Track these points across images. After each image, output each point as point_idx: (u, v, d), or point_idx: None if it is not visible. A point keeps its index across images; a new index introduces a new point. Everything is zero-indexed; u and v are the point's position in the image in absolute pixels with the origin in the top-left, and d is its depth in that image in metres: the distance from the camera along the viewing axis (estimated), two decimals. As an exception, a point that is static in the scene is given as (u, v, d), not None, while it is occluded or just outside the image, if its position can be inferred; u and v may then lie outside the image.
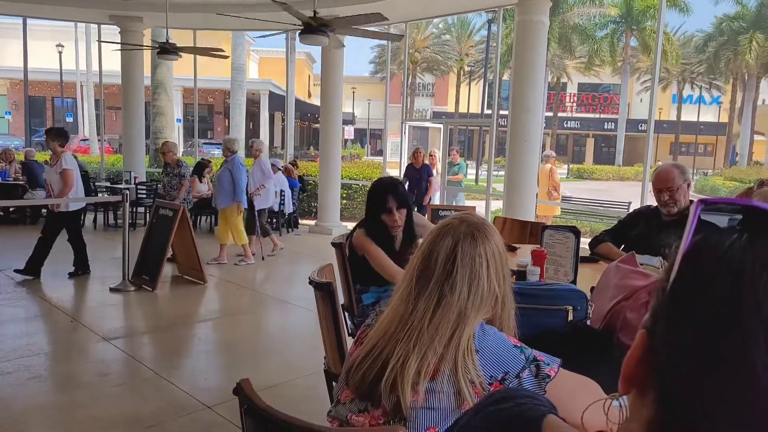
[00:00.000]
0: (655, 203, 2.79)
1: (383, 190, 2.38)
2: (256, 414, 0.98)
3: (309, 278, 1.92)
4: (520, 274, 1.94)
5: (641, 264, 1.59)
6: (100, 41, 9.61)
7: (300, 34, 5.10)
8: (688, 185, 2.66)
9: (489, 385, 1.02)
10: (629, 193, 13.75)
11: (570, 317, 1.40)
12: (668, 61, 28.62)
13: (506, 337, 1.09)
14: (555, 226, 2.15)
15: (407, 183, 7.68)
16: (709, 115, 34.73)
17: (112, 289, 5.22)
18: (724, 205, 0.39)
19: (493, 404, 0.52)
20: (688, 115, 33.71)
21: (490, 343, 1.05)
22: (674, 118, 33.38)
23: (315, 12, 4.89)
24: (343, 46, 6.83)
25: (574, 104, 37.19)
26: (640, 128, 33.42)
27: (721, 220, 0.39)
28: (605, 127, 36.17)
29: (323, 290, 1.83)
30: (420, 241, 1.18)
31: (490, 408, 0.51)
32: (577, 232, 2.03)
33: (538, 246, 2.12)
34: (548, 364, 1.05)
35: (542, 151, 8.67)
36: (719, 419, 0.35)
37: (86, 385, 3.29)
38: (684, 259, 0.38)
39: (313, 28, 4.94)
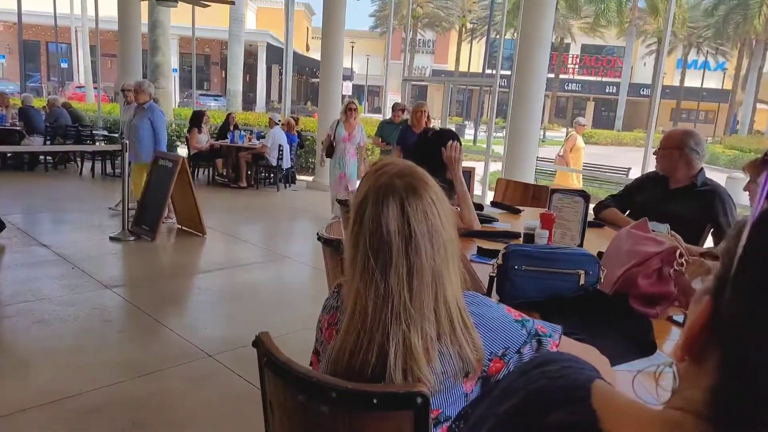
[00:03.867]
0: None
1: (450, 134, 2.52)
2: (277, 366, 0.99)
3: (318, 234, 1.92)
4: (528, 237, 1.95)
5: (653, 231, 1.60)
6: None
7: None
8: (692, 157, 2.59)
9: (489, 361, 0.98)
10: (627, 158, 13.72)
11: (582, 281, 1.41)
12: (675, 25, 28.05)
13: (506, 311, 1.05)
14: (564, 189, 2.15)
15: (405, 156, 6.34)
16: (712, 82, 34.34)
17: (111, 238, 5.23)
18: None
19: (537, 367, 0.52)
20: (692, 80, 33.31)
21: (489, 317, 1.01)
22: (677, 84, 32.99)
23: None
24: None
25: (577, 66, 36.62)
26: (642, 93, 33.10)
27: None
28: (606, 90, 35.75)
29: (332, 246, 1.83)
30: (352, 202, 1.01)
31: (535, 371, 0.51)
32: (586, 197, 2.03)
33: (546, 209, 2.13)
34: (550, 336, 1.03)
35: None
36: None
37: (89, 330, 3.33)
38: (755, 225, 0.38)
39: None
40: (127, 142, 5.37)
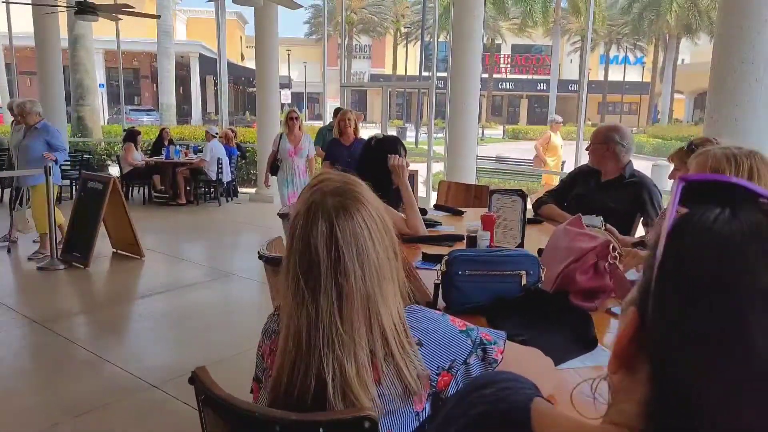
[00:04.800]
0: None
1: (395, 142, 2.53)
2: (216, 403, 0.94)
3: (258, 252, 1.87)
4: (471, 239, 1.97)
5: (586, 225, 1.65)
6: (7, 1, 8.75)
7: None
8: (618, 150, 2.71)
9: (436, 376, 0.96)
10: (562, 152, 14.23)
11: (523, 282, 1.44)
12: (596, 23, 29.45)
13: (450, 322, 1.02)
14: (502, 189, 2.19)
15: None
16: (633, 75, 36.23)
17: (39, 269, 4.93)
18: (702, 181, 0.40)
19: (475, 390, 0.51)
20: (615, 75, 35.02)
21: (434, 331, 0.98)
22: (602, 78, 34.60)
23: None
24: (300, 6, 6.46)
25: (509, 66, 37.77)
26: (570, 88, 34.51)
27: (701, 196, 0.39)
28: (538, 87, 37.04)
29: (275, 264, 1.78)
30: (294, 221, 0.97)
31: (473, 395, 0.50)
32: (524, 196, 2.07)
33: (487, 210, 2.16)
34: (494, 343, 1.01)
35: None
36: (714, 395, 0.34)
37: (17, 372, 3.11)
38: (670, 235, 0.38)
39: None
40: (50, 165, 5.01)
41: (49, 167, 4.93)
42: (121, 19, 6.66)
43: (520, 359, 1.03)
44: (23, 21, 9.79)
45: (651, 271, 0.39)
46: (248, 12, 28.06)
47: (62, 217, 5.34)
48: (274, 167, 5.87)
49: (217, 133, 8.70)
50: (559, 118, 8.49)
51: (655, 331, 0.38)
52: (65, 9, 7.74)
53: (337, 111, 5.97)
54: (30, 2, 7.76)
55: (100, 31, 12.26)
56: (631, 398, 0.40)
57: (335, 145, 4.92)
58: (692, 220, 0.38)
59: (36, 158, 5.07)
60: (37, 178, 5.05)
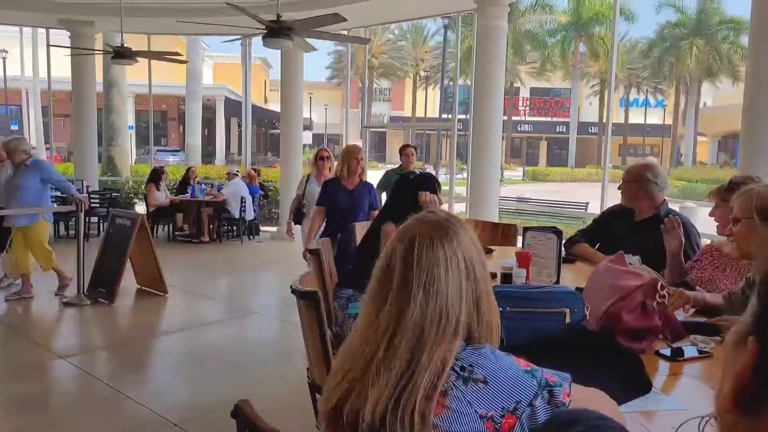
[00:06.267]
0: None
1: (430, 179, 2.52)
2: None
3: (291, 286, 1.84)
4: (506, 277, 1.92)
5: (630, 264, 1.59)
6: (49, 45, 9.16)
7: (264, 38, 5.00)
8: (651, 189, 2.67)
9: (501, 418, 0.91)
10: (583, 193, 14.15)
11: (567, 320, 1.38)
12: (616, 67, 29.71)
13: (515, 361, 0.98)
14: (536, 227, 2.15)
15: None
16: (654, 118, 36.19)
17: (66, 304, 4.96)
18: None
19: (560, 428, 0.47)
20: (635, 118, 35.04)
21: (499, 369, 0.95)
22: (622, 121, 34.63)
23: (278, 15, 4.81)
24: (314, 49, 6.68)
25: (527, 108, 38.09)
26: (590, 131, 34.55)
27: None
28: (557, 129, 37.17)
29: (308, 299, 1.75)
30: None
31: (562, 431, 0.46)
32: (558, 233, 2.03)
33: (521, 247, 2.12)
34: (560, 385, 0.97)
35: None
36: None
37: (42, 405, 3.09)
38: None
39: (276, 31, 4.85)
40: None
41: (80, 204, 5.03)
42: (137, 62, 6.87)
43: (588, 403, 0.97)
44: (60, 65, 10.20)
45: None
46: (272, 57, 28.96)
47: (54, 260, 5.12)
48: (298, 214, 4.85)
49: (237, 172, 8.86)
50: (653, 159, 7.71)
51: None
52: (102, 53, 8.06)
53: (403, 148, 5.39)
54: (69, 46, 8.10)
55: (133, 76, 12.74)
56: None
57: (333, 187, 4.04)
58: None
59: (32, 198, 4.89)
60: (27, 218, 4.89)
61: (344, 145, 6.61)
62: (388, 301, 0.93)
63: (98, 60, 9.46)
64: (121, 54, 6.49)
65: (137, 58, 6.71)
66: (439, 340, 0.92)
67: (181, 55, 6.74)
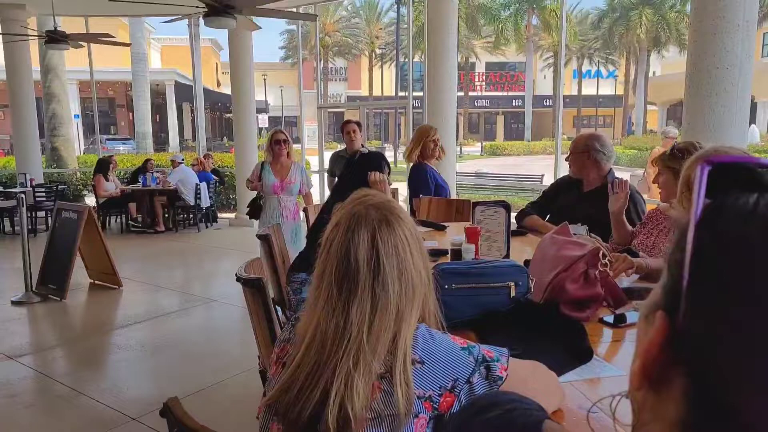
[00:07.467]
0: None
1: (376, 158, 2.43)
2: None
3: (236, 274, 1.80)
4: (455, 253, 1.93)
5: (574, 234, 1.61)
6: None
7: (204, 17, 4.81)
8: (599, 158, 2.71)
9: (439, 397, 0.91)
10: (539, 166, 14.42)
11: (512, 293, 1.39)
12: (568, 39, 30.12)
13: (451, 339, 0.98)
14: (485, 201, 2.16)
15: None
16: (607, 89, 36.98)
17: (14, 302, 4.76)
18: (730, 164, 0.35)
19: (478, 414, 0.45)
20: (588, 89, 35.73)
21: (437, 350, 0.94)
22: (575, 93, 35.26)
23: (218, -8, 4.63)
24: (258, 27, 6.48)
25: (483, 83, 38.32)
26: (545, 104, 35.10)
27: (729, 181, 0.34)
28: (513, 104, 37.58)
29: (253, 286, 1.72)
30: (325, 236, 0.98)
31: (477, 420, 0.45)
32: (507, 207, 2.04)
33: (470, 223, 2.12)
34: (497, 360, 0.97)
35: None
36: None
37: (-9, 411, 2.96)
38: (700, 226, 0.33)
39: (218, 9, 4.68)
40: (23, 196, 4.90)
41: (22, 198, 4.81)
42: (82, 46, 6.54)
43: (525, 376, 0.98)
44: (-6, 53, 9.63)
45: (678, 269, 0.33)
46: (223, 38, 28.12)
47: None
48: (255, 208, 4.35)
49: (182, 160, 8.62)
50: (674, 131, 6.13)
51: (693, 335, 0.32)
52: (35, 38, 7.64)
53: (343, 126, 4.81)
54: (0, 32, 7.64)
55: (74, 62, 12.14)
56: (660, 418, 0.34)
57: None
58: (728, 205, 0.33)
59: None
60: None
61: (303, 128, 6.23)
62: (357, 294, 0.91)
63: (34, 46, 8.97)
64: (55, 38, 6.15)
65: (73, 42, 6.38)
66: (409, 318, 0.93)
67: (114, 36, 6.40)
